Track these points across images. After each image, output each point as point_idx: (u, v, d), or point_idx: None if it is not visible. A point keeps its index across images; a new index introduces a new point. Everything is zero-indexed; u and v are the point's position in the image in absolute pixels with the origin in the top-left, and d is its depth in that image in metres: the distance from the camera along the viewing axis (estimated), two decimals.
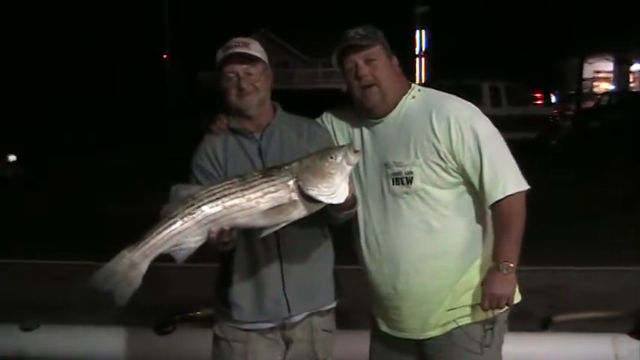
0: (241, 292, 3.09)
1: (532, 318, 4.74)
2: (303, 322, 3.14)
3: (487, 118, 3.12)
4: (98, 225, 10.45)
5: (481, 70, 25.20)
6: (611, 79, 43.65)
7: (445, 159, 3.04)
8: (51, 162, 18.31)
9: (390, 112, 3.14)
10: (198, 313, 4.64)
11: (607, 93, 35.03)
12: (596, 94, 38.63)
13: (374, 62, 3.08)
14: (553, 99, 31.17)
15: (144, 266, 2.74)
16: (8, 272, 7.62)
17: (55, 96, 29.64)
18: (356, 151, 2.80)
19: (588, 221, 10.31)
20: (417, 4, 33.10)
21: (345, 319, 3.43)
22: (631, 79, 43.07)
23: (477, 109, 3.14)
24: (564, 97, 36.66)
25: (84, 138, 23.86)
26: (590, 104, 33.84)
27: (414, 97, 3.16)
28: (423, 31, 33.02)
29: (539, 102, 26.22)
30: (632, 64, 42.31)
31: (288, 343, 3.15)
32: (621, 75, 42.55)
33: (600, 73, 43.99)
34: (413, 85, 3.23)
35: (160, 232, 2.72)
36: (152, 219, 2.78)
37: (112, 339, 4.59)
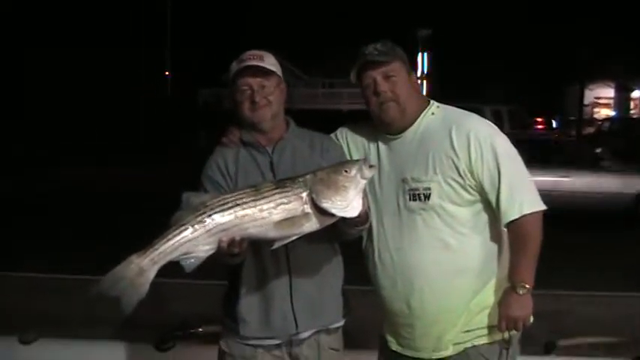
0: (248, 306, 3.04)
1: (534, 342, 4.67)
2: (310, 340, 3.08)
3: (506, 137, 3.10)
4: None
5: (483, 93, 25.27)
6: (612, 106, 43.81)
7: (464, 176, 3.01)
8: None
9: (408, 127, 3.11)
10: (200, 329, 4.57)
11: (608, 119, 35.12)
12: (596, 120, 38.74)
13: (393, 79, 3.06)
14: (554, 124, 31.25)
15: (152, 273, 2.68)
16: (5, 284, 7.54)
17: (58, 107, 29.76)
18: (371, 166, 2.76)
19: (592, 245, 10.26)
20: (418, 26, 33.24)
21: (351, 338, 3.37)
22: (632, 106, 43.24)
23: (496, 127, 3.12)
24: (565, 123, 36.71)
25: (84, 150, 23.91)
26: (590, 130, 33.90)
27: (433, 113, 3.14)
28: (425, 54, 33.12)
29: (541, 127, 26.30)
30: (632, 91, 42.51)
31: None
32: (622, 101, 42.74)
33: (601, 100, 44.16)
34: (432, 101, 3.20)
35: (170, 239, 2.67)
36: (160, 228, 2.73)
37: (111, 354, 4.52)
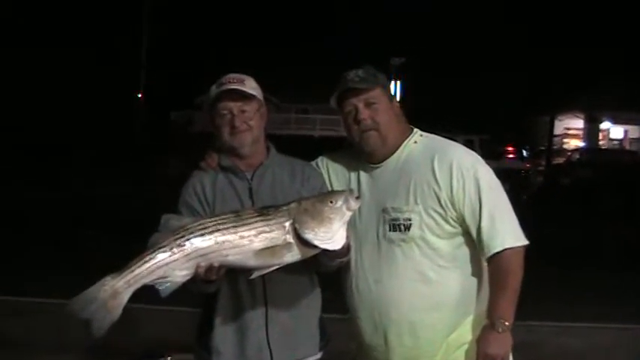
0: (223, 336, 2.96)
1: None
2: None
3: (490, 169, 3.04)
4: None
5: (456, 122, 25.48)
6: (581, 136, 44.34)
7: (445, 207, 2.95)
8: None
9: (389, 156, 3.06)
10: (169, 358, 4.47)
11: (577, 150, 35.55)
12: (566, 150, 39.16)
13: (374, 106, 3.01)
14: (525, 154, 31.55)
15: (126, 296, 2.60)
16: None
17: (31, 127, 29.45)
18: (357, 197, 2.71)
19: (564, 276, 10.26)
20: (392, 55, 33.46)
21: None
22: (600, 137, 43.80)
23: (480, 158, 3.06)
24: (535, 153, 37.06)
25: (58, 168, 23.53)
26: (560, 160, 34.27)
27: (415, 141, 3.09)
28: (398, 82, 33.30)
29: (511, 156, 26.55)
30: (601, 122, 43.06)
31: None
32: (591, 132, 43.26)
33: (570, 130, 44.67)
34: (415, 129, 3.15)
35: (147, 262, 2.59)
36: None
37: None
